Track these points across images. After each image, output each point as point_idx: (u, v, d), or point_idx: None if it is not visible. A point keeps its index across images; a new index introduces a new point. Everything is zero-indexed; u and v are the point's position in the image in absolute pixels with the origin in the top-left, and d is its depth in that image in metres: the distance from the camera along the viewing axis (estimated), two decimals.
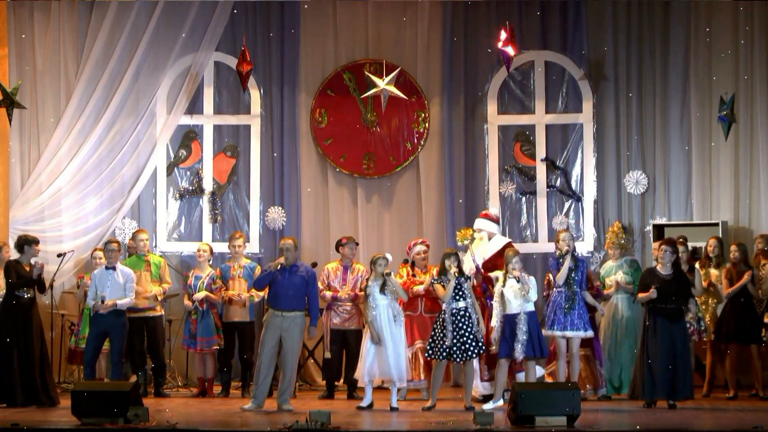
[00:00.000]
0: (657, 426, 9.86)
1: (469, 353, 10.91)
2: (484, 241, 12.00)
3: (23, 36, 13.70)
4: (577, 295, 11.36)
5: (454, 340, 10.90)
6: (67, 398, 10.33)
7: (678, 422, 10.04)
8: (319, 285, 12.26)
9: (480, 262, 11.76)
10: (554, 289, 11.39)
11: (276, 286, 11.00)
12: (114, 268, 11.89)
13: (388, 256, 11.27)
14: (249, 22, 14.10)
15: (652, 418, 10.32)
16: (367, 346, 11.06)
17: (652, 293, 11.01)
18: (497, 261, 11.71)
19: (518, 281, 10.89)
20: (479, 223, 12.20)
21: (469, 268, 11.58)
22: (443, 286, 11.00)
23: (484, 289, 11.69)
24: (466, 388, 11.12)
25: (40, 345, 11.48)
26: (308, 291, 11.07)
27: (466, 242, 12.14)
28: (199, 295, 12.37)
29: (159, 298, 12.50)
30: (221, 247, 13.79)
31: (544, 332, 11.36)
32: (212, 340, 12.48)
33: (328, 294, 12.18)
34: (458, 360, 10.97)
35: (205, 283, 12.47)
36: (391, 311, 11.06)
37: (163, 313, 12.68)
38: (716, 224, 13.18)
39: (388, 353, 10.96)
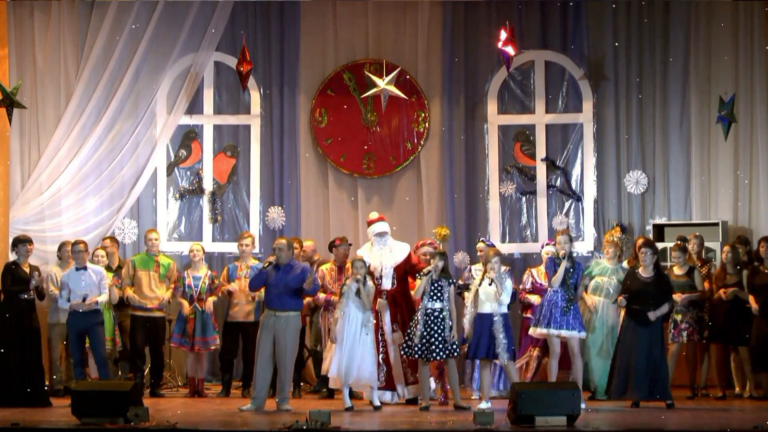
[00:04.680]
0: (656, 426, 9.87)
1: (434, 354, 10.90)
2: (393, 245, 11.74)
3: (23, 36, 13.72)
4: (577, 295, 11.32)
5: (423, 339, 10.91)
6: (68, 398, 10.36)
7: (677, 422, 10.05)
8: None
9: (391, 269, 11.55)
10: (550, 289, 11.35)
11: (269, 285, 10.97)
12: (85, 268, 11.80)
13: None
14: (249, 22, 14.11)
15: (652, 418, 10.32)
16: (335, 347, 11.02)
17: (621, 302, 11.17)
18: (406, 266, 11.65)
19: (491, 283, 10.87)
20: (384, 226, 11.81)
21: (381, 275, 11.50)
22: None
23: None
24: (452, 387, 11.13)
25: (38, 347, 11.50)
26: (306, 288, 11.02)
27: (442, 240, 12.18)
28: (209, 305, 12.38)
29: (169, 301, 12.49)
30: (221, 247, 13.83)
31: (538, 331, 11.29)
32: (210, 341, 12.50)
33: (322, 297, 12.16)
34: (425, 359, 10.97)
35: (206, 284, 12.47)
36: (362, 316, 11.01)
37: (165, 313, 12.68)
38: (716, 224, 13.18)
39: (354, 358, 10.91)
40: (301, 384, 12.68)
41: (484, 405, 10.77)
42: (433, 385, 11.51)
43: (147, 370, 12.66)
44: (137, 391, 10.11)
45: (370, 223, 11.96)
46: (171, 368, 13.20)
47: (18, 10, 13.68)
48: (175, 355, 13.21)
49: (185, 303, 12.43)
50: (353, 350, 10.94)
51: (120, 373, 12.51)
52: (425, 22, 14.06)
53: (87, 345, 11.84)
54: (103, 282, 11.81)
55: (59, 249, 12.49)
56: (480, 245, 12.23)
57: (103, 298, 11.75)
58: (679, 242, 12.27)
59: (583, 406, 10.57)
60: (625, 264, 12.17)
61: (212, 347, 12.54)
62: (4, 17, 13.38)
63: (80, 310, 11.57)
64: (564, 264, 11.19)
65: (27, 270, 11.60)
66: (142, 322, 12.36)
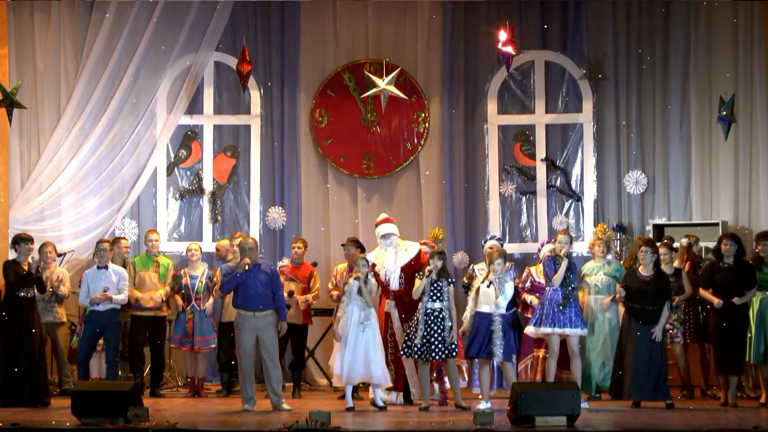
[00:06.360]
0: (656, 426, 9.86)
1: (434, 354, 10.87)
2: (401, 246, 11.72)
3: (23, 36, 13.71)
4: (573, 294, 11.30)
5: (423, 340, 10.89)
6: (68, 398, 10.35)
7: (677, 422, 10.05)
8: (329, 285, 12.48)
9: (398, 268, 11.51)
10: (549, 288, 11.34)
11: (245, 287, 10.92)
12: (106, 267, 11.88)
13: (370, 257, 11.30)
14: (249, 22, 14.12)
15: (651, 418, 10.32)
16: (339, 345, 11.03)
17: (620, 291, 11.11)
18: (416, 265, 11.58)
19: (489, 285, 10.86)
20: (390, 228, 11.76)
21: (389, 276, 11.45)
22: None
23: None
24: (453, 387, 11.12)
25: (39, 345, 11.49)
26: (273, 287, 11.02)
27: (437, 241, 12.17)
28: (209, 306, 12.39)
29: (163, 299, 12.50)
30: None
31: (541, 330, 11.26)
32: (209, 340, 12.51)
33: (335, 293, 12.20)
34: (424, 359, 10.95)
35: (203, 283, 12.48)
36: (362, 313, 10.98)
37: (167, 313, 12.68)
38: (716, 224, 13.19)
39: (358, 355, 10.88)
40: (301, 384, 12.70)
41: (483, 405, 10.77)
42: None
43: (147, 370, 12.66)
44: (137, 391, 10.10)
45: (377, 225, 11.93)
46: (171, 368, 13.21)
47: (18, 10, 13.68)
48: (175, 355, 13.21)
49: (178, 297, 12.44)
50: (356, 349, 10.92)
51: (120, 373, 12.51)
52: (425, 22, 14.07)
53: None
54: (123, 283, 11.88)
55: (39, 250, 12.41)
56: (490, 243, 12.15)
57: (120, 297, 11.79)
58: (666, 240, 12.26)
59: (585, 405, 10.60)
60: (610, 257, 12.13)
61: (212, 345, 12.55)
62: (4, 17, 13.37)
63: (97, 305, 11.66)
64: (565, 263, 11.18)
65: (26, 268, 11.60)
66: (143, 322, 12.37)
